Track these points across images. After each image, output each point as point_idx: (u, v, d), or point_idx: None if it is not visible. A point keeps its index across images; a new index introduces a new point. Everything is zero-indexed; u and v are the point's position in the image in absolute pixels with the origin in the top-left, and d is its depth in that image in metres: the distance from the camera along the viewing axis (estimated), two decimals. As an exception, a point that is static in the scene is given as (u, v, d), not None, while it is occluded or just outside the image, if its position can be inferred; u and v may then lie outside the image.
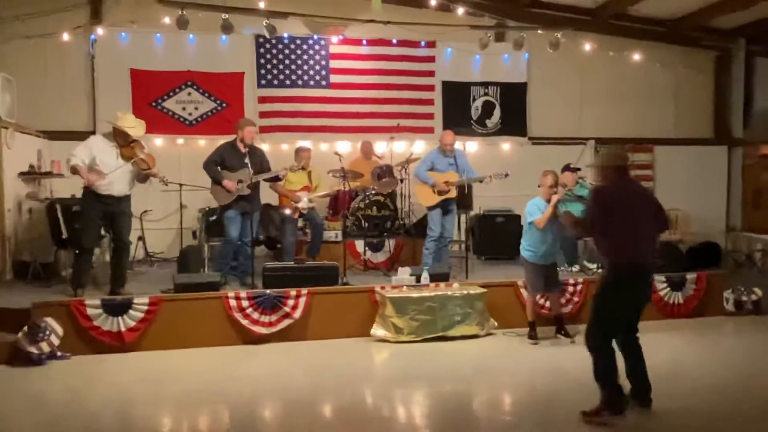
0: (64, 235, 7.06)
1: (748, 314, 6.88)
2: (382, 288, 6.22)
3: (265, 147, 8.53)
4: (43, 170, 8.06)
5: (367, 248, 7.70)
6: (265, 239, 7.56)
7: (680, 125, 10.93)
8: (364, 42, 9.61)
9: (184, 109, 9.14)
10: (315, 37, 9.41)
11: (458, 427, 4.07)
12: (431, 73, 9.86)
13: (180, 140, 9.15)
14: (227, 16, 8.23)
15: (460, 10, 8.87)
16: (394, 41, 9.69)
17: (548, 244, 5.90)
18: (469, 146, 9.73)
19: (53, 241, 7.21)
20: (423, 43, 9.81)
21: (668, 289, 6.85)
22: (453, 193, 7.12)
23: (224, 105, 9.26)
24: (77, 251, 6.23)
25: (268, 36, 8.70)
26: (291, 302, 6.00)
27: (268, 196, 7.51)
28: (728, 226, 10.85)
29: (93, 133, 8.75)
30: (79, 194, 7.73)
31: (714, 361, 5.48)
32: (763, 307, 6.98)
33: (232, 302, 5.89)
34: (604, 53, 9.86)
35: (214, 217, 7.61)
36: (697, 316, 6.88)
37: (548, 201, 5.83)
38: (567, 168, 7.96)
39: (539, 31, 9.35)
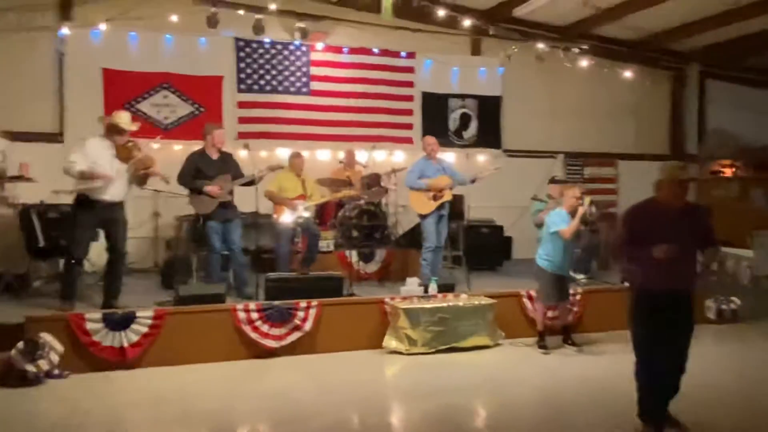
0: (41, 244, 6.57)
1: (728, 323, 7.23)
2: (393, 299, 6.12)
3: (243, 153, 8.35)
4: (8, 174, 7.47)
5: (360, 259, 7.57)
6: (255, 249, 7.27)
7: (640, 141, 11.46)
8: (345, 50, 9.54)
9: (159, 112, 8.75)
10: (296, 42, 9.24)
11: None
12: (410, 84, 9.90)
13: (155, 145, 8.70)
14: (216, 9, 7.96)
15: (441, 12, 8.91)
16: (375, 50, 9.68)
17: (567, 256, 5.99)
18: (447, 157, 9.60)
19: (28, 251, 6.69)
20: (403, 54, 9.84)
21: (657, 298, 7.09)
22: (449, 196, 7.12)
23: (202, 109, 8.92)
24: (68, 262, 5.79)
25: (254, 35, 8.52)
26: (301, 314, 5.82)
27: (261, 204, 7.25)
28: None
29: (60, 135, 8.28)
30: (48, 199, 7.32)
31: (706, 370, 5.65)
32: (741, 315, 7.36)
33: (241, 314, 5.64)
34: (573, 70, 10.21)
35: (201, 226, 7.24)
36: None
37: (572, 213, 5.89)
38: (553, 180, 8.13)
39: (514, 48, 9.55)
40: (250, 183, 6.56)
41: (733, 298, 7.40)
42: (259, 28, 8.57)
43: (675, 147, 11.71)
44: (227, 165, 6.36)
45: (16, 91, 8.16)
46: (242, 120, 8.99)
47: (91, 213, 5.61)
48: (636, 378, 4.01)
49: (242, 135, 8.78)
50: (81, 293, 6.19)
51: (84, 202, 5.61)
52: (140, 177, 5.93)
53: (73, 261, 5.70)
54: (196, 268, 7.08)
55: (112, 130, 5.73)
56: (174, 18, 8.36)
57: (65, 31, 8.26)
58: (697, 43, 10.79)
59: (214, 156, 6.44)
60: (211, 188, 6.22)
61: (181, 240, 8.58)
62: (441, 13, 8.97)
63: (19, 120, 8.08)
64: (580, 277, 7.55)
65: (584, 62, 9.85)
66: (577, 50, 9.73)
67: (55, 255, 6.74)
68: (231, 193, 6.34)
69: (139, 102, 8.65)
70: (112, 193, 5.63)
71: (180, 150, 8.82)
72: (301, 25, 8.95)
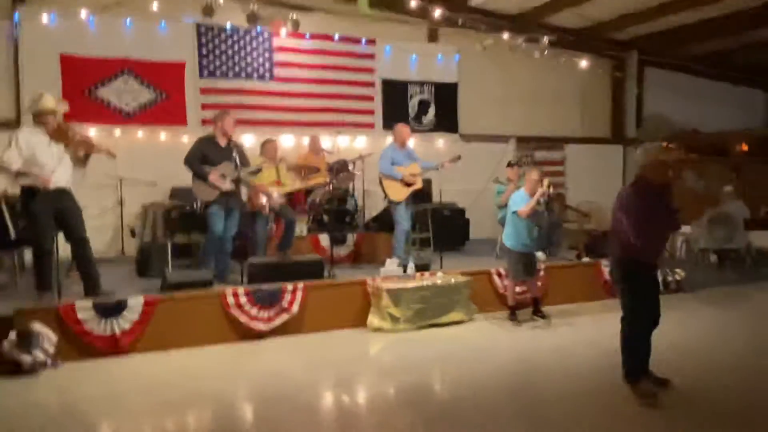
0: (13, 236, 6.43)
1: (674, 292, 7.90)
2: (374, 280, 6.38)
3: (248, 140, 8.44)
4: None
5: (332, 243, 7.76)
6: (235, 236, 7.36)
7: (585, 125, 12.14)
8: (307, 36, 9.63)
9: (120, 98, 8.61)
10: (258, 28, 9.26)
11: (496, 404, 4.41)
12: (371, 70, 10.13)
13: (117, 131, 8.61)
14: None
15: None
16: (336, 37, 9.82)
17: (530, 234, 6.40)
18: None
19: (-3, 243, 6.53)
20: (364, 41, 10.02)
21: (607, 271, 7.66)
22: (419, 184, 7.44)
23: (164, 95, 8.87)
24: (37, 255, 5.66)
25: (204, 17, 8.42)
26: (288, 297, 5.99)
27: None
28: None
29: (17, 122, 8.04)
30: (11, 189, 7.12)
31: (665, 334, 6.24)
32: (684, 286, 8.04)
33: (230, 299, 5.77)
34: (523, 57, 10.68)
35: (176, 213, 7.27)
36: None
37: (532, 194, 6.31)
38: (510, 164, 8.57)
39: (489, 40, 9.86)
40: (256, 172, 6.66)
41: (678, 270, 8.07)
42: (208, 10, 8.40)
43: (616, 130, 12.47)
44: (234, 153, 6.36)
45: (-32, 78, 7.88)
46: (206, 106, 8.97)
47: (41, 203, 5.43)
48: (630, 345, 4.41)
49: (206, 121, 8.76)
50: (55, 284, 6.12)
51: (30, 194, 5.42)
52: (82, 158, 5.74)
53: (42, 252, 5.56)
54: (172, 256, 7.12)
55: (41, 116, 5.51)
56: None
57: (19, 14, 7.98)
58: (637, 32, 11.46)
59: (222, 143, 6.45)
60: (213, 177, 6.24)
61: (147, 228, 8.54)
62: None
63: (-28, 107, 7.83)
64: (539, 254, 8.04)
65: (536, 51, 10.31)
66: (536, 40, 10.15)
67: (25, 245, 6.60)
68: (236, 182, 6.37)
69: (99, 88, 8.50)
70: (57, 180, 5.46)
71: (143, 137, 8.81)
72: (254, 8, 8.88)
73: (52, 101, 5.62)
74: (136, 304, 5.44)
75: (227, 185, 6.33)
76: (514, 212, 6.30)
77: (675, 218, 4.37)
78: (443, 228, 8.89)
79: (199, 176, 6.28)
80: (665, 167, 4.28)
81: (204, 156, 6.35)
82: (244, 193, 6.83)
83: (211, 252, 6.44)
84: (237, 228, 6.64)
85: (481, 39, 10.03)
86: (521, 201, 6.32)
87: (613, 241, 4.47)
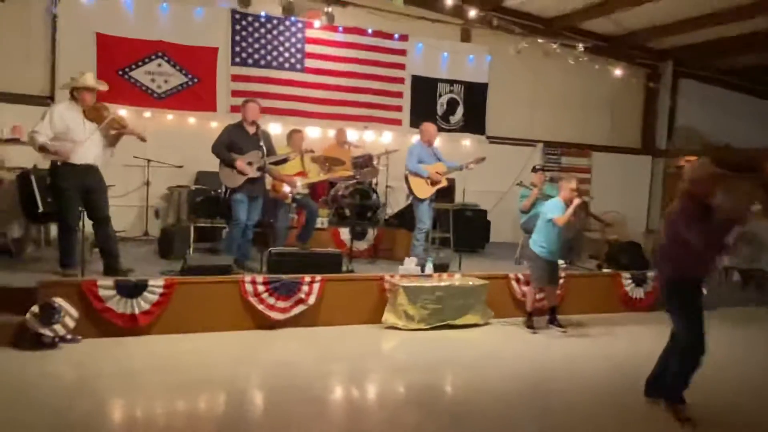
0: (41, 209, 6.56)
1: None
2: (392, 277, 6.40)
3: (275, 128, 8.49)
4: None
5: (352, 237, 7.79)
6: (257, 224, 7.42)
7: (614, 134, 11.98)
8: (340, 29, 9.64)
9: (153, 80, 8.73)
10: (292, 18, 9.29)
11: (501, 410, 4.40)
12: (402, 66, 10.10)
13: (147, 113, 8.72)
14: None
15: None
16: (369, 31, 9.81)
17: (559, 243, 6.35)
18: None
19: (25, 215, 6.68)
20: (396, 36, 10.00)
21: (632, 285, 7.61)
22: (444, 183, 7.45)
23: (195, 80, 8.94)
24: (63, 229, 5.79)
25: (240, 4, 8.49)
26: (306, 288, 6.03)
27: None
28: (648, 228, 12.05)
29: (51, 98, 8.19)
30: (41, 164, 7.26)
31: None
32: (706, 303, 7.89)
33: (248, 287, 5.83)
34: (555, 62, 10.57)
35: (201, 197, 7.35)
36: (654, 309, 7.66)
37: (568, 203, 6.22)
38: (535, 169, 8.50)
39: (524, 43, 9.78)
40: (284, 161, 6.71)
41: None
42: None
43: (646, 141, 12.30)
44: (261, 141, 6.40)
45: (7, 53, 8.04)
46: (235, 93, 9.03)
47: (69, 178, 5.56)
48: (687, 363, 4.24)
49: (234, 108, 8.81)
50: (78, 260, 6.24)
51: (65, 168, 5.56)
52: (113, 137, 5.85)
53: (68, 227, 5.70)
54: (194, 239, 7.23)
55: (78, 92, 5.66)
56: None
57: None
58: (673, 43, 11.28)
59: (251, 131, 6.50)
60: (241, 164, 6.30)
61: (172, 210, 8.68)
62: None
63: (9, 81, 8.00)
64: (560, 262, 7.98)
65: (569, 56, 10.18)
66: (571, 45, 10.04)
67: (53, 220, 6.73)
68: (262, 170, 6.42)
69: (133, 69, 8.60)
70: (86, 156, 5.58)
71: (172, 120, 8.91)
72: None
73: (92, 79, 5.79)
74: (156, 285, 5.51)
75: (253, 172, 6.38)
76: (550, 219, 6.22)
77: (730, 235, 4.21)
78: (464, 229, 8.91)
79: (227, 163, 6.34)
80: (715, 183, 4.13)
81: (231, 143, 6.41)
82: (268, 181, 6.89)
83: (234, 239, 6.51)
84: (260, 216, 6.69)
85: (514, 41, 9.95)
86: (556, 209, 6.24)
87: (665, 262, 4.34)
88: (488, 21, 9.83)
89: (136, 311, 5.42)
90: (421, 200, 7.35)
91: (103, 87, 5.88)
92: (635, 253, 8.14)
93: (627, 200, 11.55)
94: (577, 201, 6.16)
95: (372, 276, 6.49)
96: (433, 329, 6.20)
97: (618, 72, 10.79)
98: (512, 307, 6.90)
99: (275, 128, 9.07)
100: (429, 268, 6.71)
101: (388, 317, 6.19)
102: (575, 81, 11.22)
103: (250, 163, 6.38)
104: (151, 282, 5.51)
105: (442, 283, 6.37)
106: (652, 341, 5.99)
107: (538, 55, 10.20)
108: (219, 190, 6.73)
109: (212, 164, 6.62)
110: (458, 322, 6.34)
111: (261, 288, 5.87)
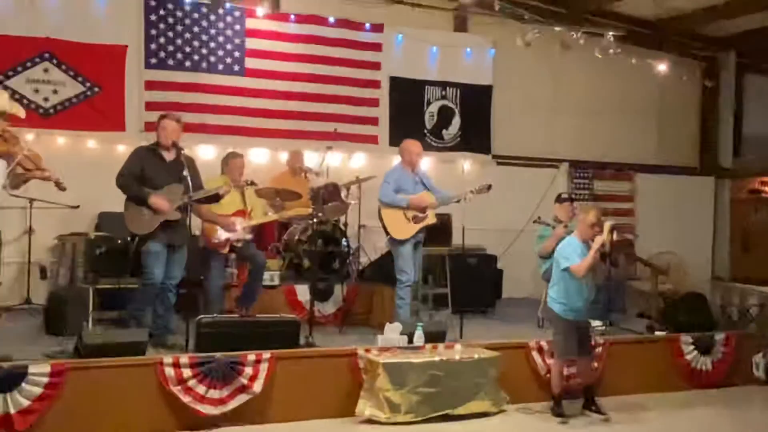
0: None
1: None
2: (368, 351, 6.32)
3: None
4: None
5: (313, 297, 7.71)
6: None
7: (663, 149, 12.18)
8: (292, 17, 9.76)
9: (37, 91, 8.73)
10: (227, 5, 9.39)
11: None
12: (377, 66, 10.25)
13: (29, 135, 8.59)
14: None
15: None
16: (331, 20, 9.95)
17: (585, 297, 6.33)
18: (421, 163, 10.14)
19: None
20: (368, 26, 10.17)
21: (695, 352, 7.60)
22: (432, 219, 7.45)
23: (96, 89, 8.97)
24: None
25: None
26: (249, 370, 5.90)
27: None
28: (714, 273, 12.14)
29: None
30: None
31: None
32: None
33: (169, 371, 5.68)
34: (580, 56, 10.77)
35: (103, 249, 7.28)
36: (726, 385, 7.65)
37: (587, 242, 6.25)
38: (561, 198, 8.54)
39: (536, 31, 9.96)
40: (215, 198, 6.66)
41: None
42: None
43: (705, 157, 12.50)
44: (184, 170, 6.37)
45: None
46: (151, 106, 9.02)
47: None
48: None
49: (150, 127, 8.74)
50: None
51: None
52: (18, 178, 5.87)
53: None
54: (95, 307, 7.12)
55: None
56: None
57: None
58: (736, 28, 11.53)
59: (170, 156, 6.49)
60: (157, 200, 6.25)
61: (63, 267, 8.55)
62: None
63: None
64: (596, 324, 7.98)
65: (597, 48, 10.33)
66: (599, 33, 10.23)
67: None
68: (185, 210, 6.37)
69: (11, 77, 8.58)
70: None
71: (64, 144, 8.87)
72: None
73: (5, 100, 5.81)
74: (39, 373, 5.36)
75: (173, 213, 6.31)
76: (565, 269, 6.23)
77: None
78: (466, 281, 8.88)
79: (136, 200, 6.28)
80: None
81: (143, 173, 6.36)
82: (196, 225, 6.83)
83: (146, 304, 6.42)
84: (183, 273, 6.60)
85: (524, 30, 10.11)
86: (572, 252, 6.26)
87: None
88: (489, 4, 10.01)
89: (11, 410, 5.25)
90: (401, 242, 7.33)
91: (18, 112, 5.97)
92: (699, 308, 8.18)
93: (685, 237, 11.66)
94: (599, 240, 6.14)
95: (341, 351, 6.41)
96: (427, 422, 6.10)
97: (663, 67, 10.99)
98: (534, 387, 6.82)
99: (206, 152, 9.10)
100: (419, 337, 6.64)
101: (365, 407, 6.08)
102: (608, 81, 11.43)
103: (168, 201, 6.32)
104: (32, 369, 5.35)
105: (438, 358, 6.29)
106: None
107: (555, 47, 10.38)
108: (129, 238, 6.65)
109: (119, 203, 6.56)
110: (461, 411, 6.25)
111: (187, 372, 5.74)
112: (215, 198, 6.72)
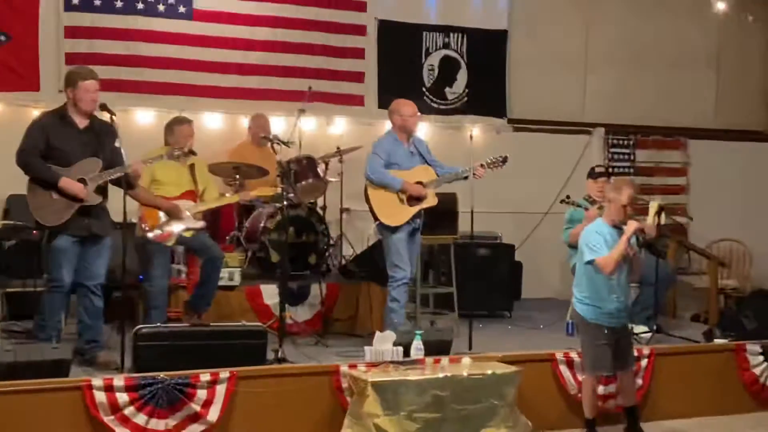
0: None
1: None
2: (353, 367, 6.29)
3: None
4: None
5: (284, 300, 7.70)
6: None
7: (723, 110, 12.18)
8: (254, -54, 9.72)
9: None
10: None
11: None
12: (361, 6, 10.23)
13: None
14: None
15: None
16: (305, -52, 9.92)
17: (619, 295, 6.30)
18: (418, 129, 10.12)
19: None
20: (350, -43, 10.13)
21: (766, 364, 7.59)
22: (433, 200, 7.45)
23: (4, 38, 8.94)
24: None
25: None
26: (202, 394, 5.87)
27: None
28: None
29: None
30: None
31: None
32: None
33: (100, 396, 5.62)
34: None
35: (12, 242, 7.27)
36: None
37: (618, 227, 6.19)
38: (594, 173, 8.53)
39: None
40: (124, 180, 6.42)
41: None
42: None
43: (776, 120, 12.50)
44: (100, 142, 6.33)
45: None
46: (72, 58, 9.00)
47: None
48: None
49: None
50: None
51: None
52: None
53: None
54: (3, 316, 7.14)
55: None
56: None
57: None
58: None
59: (81, 123, 6.41)
60: (68, 183, 6.16)
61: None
62: None
63: None
64: (640, 330, 8.00)
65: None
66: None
67: None
68: (103, 192, 6.34)
69: None
70: None
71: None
72: None
73: None
74: (-65, 400, 5.34)
75: (91, 196, 6.26)
76: (589, 261, 6.20)
77: None
78: (476, 278, 8.90)
79: (42, 181, 6.20)
80: None
81: (49, 146, 6.27)
82: (131, 210, 6.76)
83: (52, 315, 6.40)
84: (107, 270, 6.56)
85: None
86: (599, 240, 6.20)
87: None
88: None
89: None
90: (394, 230, 7.33)
91: None
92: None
93: (751, 220, 11.66)
94: (633, 226, 6.06)
95: (319, 368, 6.40)
96: (428, 456, 6.10)
97: (723, 5, 10.96)
98: (563, 409, 6.83)
99: (144, 117, 9.14)
100: (417, 348, 6.61)
101: (351, 437, 6.08)
102: (652, 24, 11.42)
103: (82, 180, 6.25)
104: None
105: (441, 375, 6.25)
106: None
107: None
108: (35, 230, 6.62)
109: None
110: (471, 441, 6.25)
111: (123, 398, 5.69)
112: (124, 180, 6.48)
